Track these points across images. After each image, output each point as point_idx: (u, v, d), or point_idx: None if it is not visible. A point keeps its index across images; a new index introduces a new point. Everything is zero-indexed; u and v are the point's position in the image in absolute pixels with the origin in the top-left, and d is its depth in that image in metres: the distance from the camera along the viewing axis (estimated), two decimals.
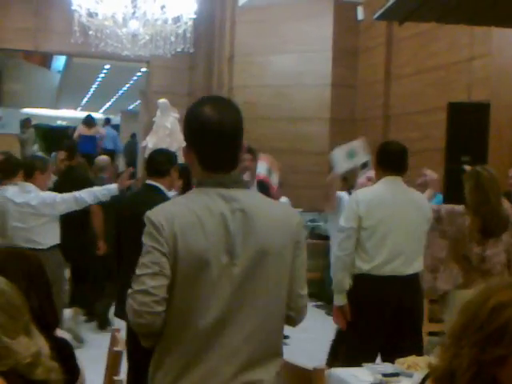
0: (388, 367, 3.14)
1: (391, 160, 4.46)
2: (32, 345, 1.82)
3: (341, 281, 4.34)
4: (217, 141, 2.24)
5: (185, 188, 5.13)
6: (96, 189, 6.03)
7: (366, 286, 4.31)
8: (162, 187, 4.27)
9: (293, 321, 2.40)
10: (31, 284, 2.18)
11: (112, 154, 14.76)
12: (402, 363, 3.12)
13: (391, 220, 4.31)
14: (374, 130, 11.69)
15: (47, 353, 1.91)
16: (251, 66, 13.00)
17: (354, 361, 3.59)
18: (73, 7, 10.20)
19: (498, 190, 4.75)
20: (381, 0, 6.26)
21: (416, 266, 4.36)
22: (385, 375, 3.02)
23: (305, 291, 2.37)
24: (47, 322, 2.08)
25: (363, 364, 3.24)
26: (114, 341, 2.71)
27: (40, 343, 1.89)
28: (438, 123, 9.31)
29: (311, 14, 12.47)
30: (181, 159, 11.29)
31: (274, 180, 5.48)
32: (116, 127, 26.07)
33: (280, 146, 12.14)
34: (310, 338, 7.37)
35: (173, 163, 4.37)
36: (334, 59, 12.44)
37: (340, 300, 4.38)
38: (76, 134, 15.03)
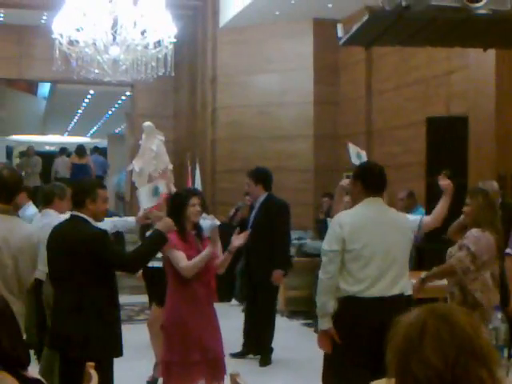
0: None
1: (373, 181, 4.45)
2: None
3: (324, 304, 4.34)
4: (3, 189, 4.13)
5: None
6: (116, 219, 6.14)
7: (353, 309, 4.28)
8: (85, 217, 4.31)
9: None
10: (1, 325, 2.19)
11: (102, 180, 15.17)
12: None
13: (375, 242, 4.30)
14: (357, 146, 11.75)
15: None
16: (234, 86, 13.10)
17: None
18: (53, 36, 10.24)
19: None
20: (360, 17, 6.34)
21: (400, 287, 4.33)
22: None
23: None
24: (18, 362, 2.09)
25: None
26: (86, 377, 2.71)
27: None
28: (419, 137, 9.42)
29: (291, 33, 12.60)
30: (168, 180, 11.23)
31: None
32: (103, 151, 26.14)
33: (265, 165, 12.08)
34: (297, 357, 7.38)
35: (87, 194, 4.36)
36: (316, 77, 12.55)
37: (325, 324, 4.35)
38: (68, 163, 15.70)
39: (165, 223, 4.54)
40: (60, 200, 6.34)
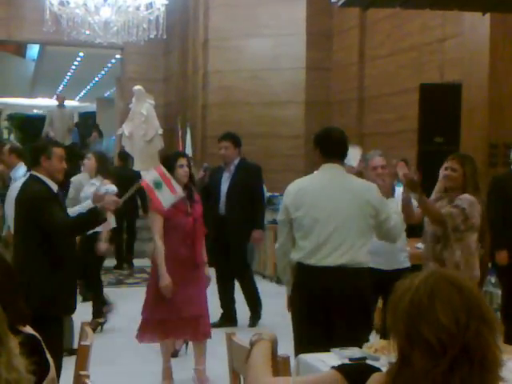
0: (355, 352, 3.18)
1: (330, 147, 4.28)
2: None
3: (281, 272, 4.54)
4: None
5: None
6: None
7: (299, 276, 4.24)
8: (40, 176, 4.36)
9: None
10: (3, 281, 2.18)
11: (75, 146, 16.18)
12: (369, 347, 3.17)
13: (319, 209, 4.16)
14: (349, 113, 11.74)
15: (15, 353, 1.88)
16: (226, 51, 12.97)
17: (303, 348, 3.66)
18: None
19: None
20: None
21: (347, 257, 4.13)
22: (352, 359, 3.06)
23: None
24: (18, 319, 2.08)
25: (331, 349, 3.27)
26: (82, 335, 2.71)
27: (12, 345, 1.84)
28: (412, 104, 9.36)
29: None
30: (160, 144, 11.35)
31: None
32: (92, 114, 25.96)
33: (256, 131, 12.17)
34: (286, 322, 7.41)
35: (42, 151, 4.42)
36: (309, 42, 12.45)
37: (288, 290, 4.47)
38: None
39: (106, 202, 4.40)
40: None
